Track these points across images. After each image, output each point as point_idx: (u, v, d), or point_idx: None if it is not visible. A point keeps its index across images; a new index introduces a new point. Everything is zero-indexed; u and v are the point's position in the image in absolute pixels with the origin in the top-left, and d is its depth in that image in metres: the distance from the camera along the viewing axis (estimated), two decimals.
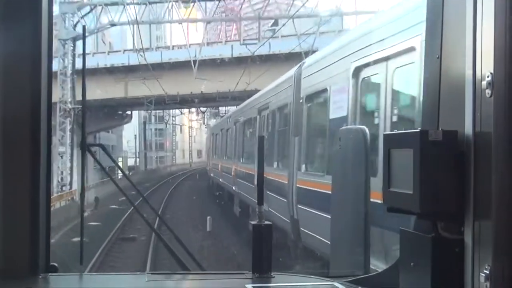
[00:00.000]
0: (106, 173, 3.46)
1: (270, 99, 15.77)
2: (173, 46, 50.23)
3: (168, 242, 3.16)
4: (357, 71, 8.76)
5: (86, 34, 30.11)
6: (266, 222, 2.76)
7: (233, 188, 21.74)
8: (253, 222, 2.76)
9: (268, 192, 12.78)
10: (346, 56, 9.22)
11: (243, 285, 2.55)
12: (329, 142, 9.80)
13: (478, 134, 1.83)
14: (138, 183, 30.18)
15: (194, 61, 34.66)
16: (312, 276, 2.76)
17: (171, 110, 73.49)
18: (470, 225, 1.85)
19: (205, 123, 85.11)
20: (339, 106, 9.44)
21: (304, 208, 11.10)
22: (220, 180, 27.48)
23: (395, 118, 7.63)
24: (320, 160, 11.02)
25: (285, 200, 12.49)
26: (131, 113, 54.01)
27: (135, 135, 76.77)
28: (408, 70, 7.16)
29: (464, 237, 1.89)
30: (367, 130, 2.80)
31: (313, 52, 20.83)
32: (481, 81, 1.79)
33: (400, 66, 7.38)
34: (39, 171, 2.61)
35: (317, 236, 9.79)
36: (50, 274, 2.69)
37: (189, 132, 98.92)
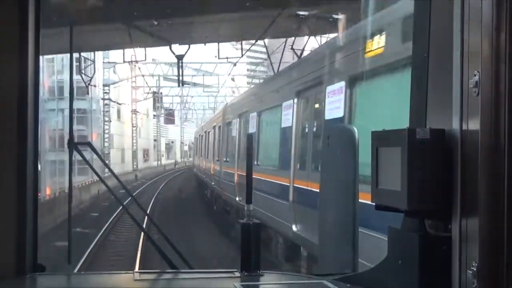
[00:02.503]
0: (95, 172, 3.44)
1: (214, 122, 28.94)
2: None
3: (156, 241, 3.15)
4: (240, 115, 19.64)
5: None
6: (255, 221, 2.77)
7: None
8: (241, 221, 2.77)
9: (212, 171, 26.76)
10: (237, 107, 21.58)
11: (231, 283, 2.55)
12: (231, 144, 21.25)
13: (465, 132, 1.84)
14: None
15: None
16: (301, 275, 2.77)
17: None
18: (457, 222, 1.87)
19: (158, 106, 73.94)
20: (235, 128, 20.48)
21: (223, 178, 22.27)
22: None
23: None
24: (230, 153, 21.47)
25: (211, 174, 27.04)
26: None
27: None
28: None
29: (451, 235, 1.90)
30: (355, 129, 2.81)
31: None
32: (468, 80, 1.81)
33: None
34: (26, 169, 2.59)
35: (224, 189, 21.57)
36: (37, 273, 2.67)
37: (132, 120, 59.61)
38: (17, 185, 2.57)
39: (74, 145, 3.01)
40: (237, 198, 18.22)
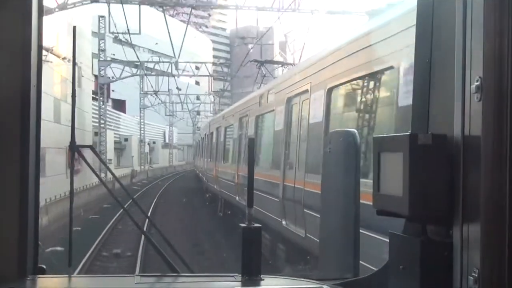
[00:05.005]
0: (96, 175, 3.44)
1: (205, 129, 34.87)
2: None
3: (157, 244, 3.15)
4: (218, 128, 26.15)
5: None
6: (256, 225, 2.77)
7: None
8: (242, 225, 2.76)
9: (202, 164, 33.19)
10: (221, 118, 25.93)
11: (232, 287, 2.54)
12: (217, 149, 26.09)
13: (467, 138, 1.84)
14: None
15: None
16: (302, 279, 2.76)
17: None
18: (458, 228, 1.87)
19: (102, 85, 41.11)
20: (218, 137, 25.78)
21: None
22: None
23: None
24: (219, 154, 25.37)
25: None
26: None
27: None
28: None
29: (453, 240, 1.90)
30: (357, 133, 2.81)
31: None
32: (470, 85, 1.81)
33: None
34: (28, 171, 2.59)
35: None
36: (38, 276, 2.67)
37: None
38: (19, 187, 2.57)
39: (76, 147, 3.01)
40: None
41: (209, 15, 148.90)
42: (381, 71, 7.73)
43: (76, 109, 2.91)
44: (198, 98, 76.28)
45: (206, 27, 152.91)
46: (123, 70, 45.92)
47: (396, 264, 2.12)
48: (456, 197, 1.87)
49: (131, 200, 3.58)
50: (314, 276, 2.81)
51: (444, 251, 1.91)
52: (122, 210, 3.77)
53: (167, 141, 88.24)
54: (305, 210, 10.52)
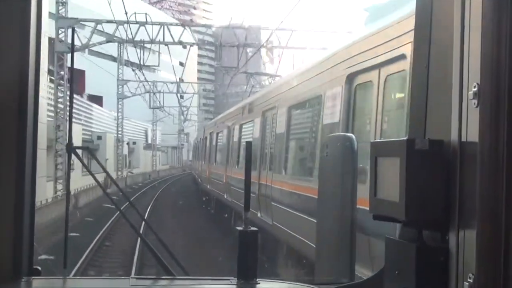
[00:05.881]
0: (93, 177, 3.44)
1: (200, 133, 37.45)
2: None
3: (153, 247, 3.14)
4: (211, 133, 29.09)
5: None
6: (252, 228, 2.76)
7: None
8: (239, 228, 2.76)
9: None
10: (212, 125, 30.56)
11: None
12: (210, 152, 28.27)
13: (464, 143, 1.85)
14: None
15: None
16: (297, 283, 2.76)
17: None
18: (454, 234, 1.87)
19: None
20: (212, 141, 28.09)
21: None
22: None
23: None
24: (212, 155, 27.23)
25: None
26: None
27: None
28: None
29: (449, 246, 1.90)
30: (354, 138, 2.81)
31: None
32: (467, 92, 1.81)
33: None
34: (24, 172, 2.58)
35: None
36: (33, 277, 2.66)
37: None
38: (15, 188, 2.57)
39: (73, 149, 3.00)
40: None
41: (194, 8, 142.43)
42: (316, 97, 10.47)
43: None
44: (182, 97, 66.19)
45: (192, 21, 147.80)
46: (92, 34, 32.90)
47: (391, 269, 2.12)
48: (453, 203, 1.87)
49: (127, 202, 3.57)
50: (310, 281, 2.81)
51: (440, 257, 1.91)
52: (118, 212, 3.74)
53: (149, 141, 75.04)
54: (272, 203, 13.27)
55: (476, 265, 1.74)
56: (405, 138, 1.96)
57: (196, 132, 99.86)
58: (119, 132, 51.42)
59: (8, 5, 2.54)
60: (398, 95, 6.55)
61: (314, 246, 2.79)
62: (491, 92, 1.72)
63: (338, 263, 2.76)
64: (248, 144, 3.03)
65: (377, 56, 7.55)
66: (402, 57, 6.24)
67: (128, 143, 58.70)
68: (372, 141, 2.21)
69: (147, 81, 49.47)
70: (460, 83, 1.87)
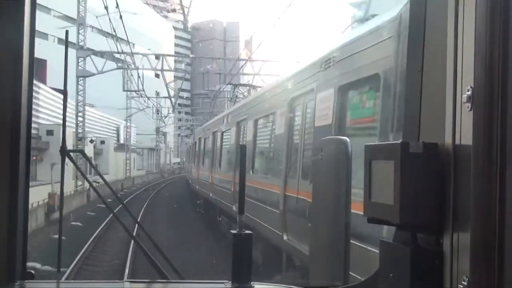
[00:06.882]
0: (86, 179, 3.43)
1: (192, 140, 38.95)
2: None
3: (147, 250, 3.13)
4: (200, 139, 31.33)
5: None
6: (246, 232, 2.76)
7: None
8: (233, 231, 2.76)
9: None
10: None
11: None
12: (199, 156, 30.89)
13: (457, 147, 1.85)
14: None
15: None
16: (292, 286, 2.76)
17: None
18: (449, 237, 1.88)
19: None
20: (201, 146, 30.27)
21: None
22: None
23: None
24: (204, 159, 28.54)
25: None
26: None
27: None
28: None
29: (443, 249, 1.91)
30: (349, 141, 2.81)
31: None
32: (461, 95, 1.82)
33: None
34: (18, 175, 2.57)
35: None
36: (26, 281, 2.65)
37: None
38: (9, 192, 2.56)
39: (67, 152, 2.99)
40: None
41: None
42: (275, 112, 12.68)
43: None
44: (157, 94, 61.23)
45: (168, 11, 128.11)
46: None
47: (386, 272, 2.12)
48: (447, 206, 1.88)
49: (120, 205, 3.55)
50: (304, 283, 2.81)
51: (434, 259, 1.92)
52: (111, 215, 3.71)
53: (122, 141, 60.07)
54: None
55: (470, 268, 1.75)
56: (400, 142, 1.96)
57: (173, 132, 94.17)
58: (80, 127, 36.35)
59: (2, 5, 2.53)
60: (312, 114, 9.68)
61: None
62: (484, 96, 1.73)
63: (333, 266, 2.76)
64: (242, 148, 3.02)
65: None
66: (312, 90, 9.62)
67: (92, 141, 42.35)
68: (366, 144, 2.20)
69: (122, 53, 36.78)
70: (454, 86, 1.87)
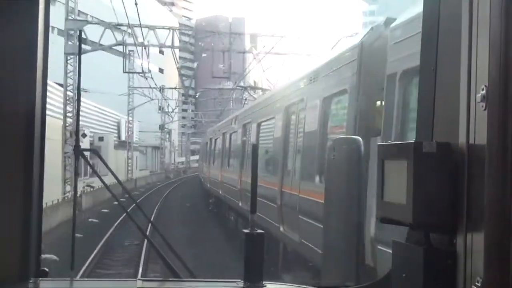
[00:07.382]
0: (100, 179, 3.44)
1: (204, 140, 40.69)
2: None
3: (160, 249, 3.14)
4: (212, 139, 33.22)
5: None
6: (259, 231, 2.76)
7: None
8: (245, 231, 2.76)
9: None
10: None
11: None
12: (209, 156, 32.91)
13: (471, 146, 1.84)
14: None
15: None
16: (304, 285, 2.75)
17: None
18: (462, 237, 1.86)
19: None
20: (212, 145, 32.39)
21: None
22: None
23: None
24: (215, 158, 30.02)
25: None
26: None
27: None
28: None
29: (456, 249, 1.89)
30: (361, 141, 2.80)
31: None
32: (475, 94, 1.81)
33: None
34: (32, 174, 2.60)
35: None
36: (40, 279, 2.67)
37: None
38: (23, 190, 2.58)
39: (80, 151, 3.01)
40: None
41: None
42: (272, 117, 15.01)
43: None
44: (162, 91, 57.49)
45: (173, 4, 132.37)
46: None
47: (399, 272, 2.11)
48: (460, 206, 1.86)
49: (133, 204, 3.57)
50: (317, 283, 2.80)
51: (447, 260, 1.90)
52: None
53: (123, 138, 53.97)
54: (246, 194, 17.58)
55: (484, 269, 1.73)
56: (413, 141, 1.95)
57: (178, 129, 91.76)
58: (69, 115, 29.30)
59: (16, 5, 2.56)
60: (303, 120, 11.42)
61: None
62: (499, 95, 1.72)
63: (345, 266, 2.75)
64: (254, 147, 3.02)
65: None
66: (302, 100, 11.66)
67: (84, 135, 33.95)
68: (379, 143, 2.20)
69: (120, 25, 32.04)
70: (468, 85, 1.86)
